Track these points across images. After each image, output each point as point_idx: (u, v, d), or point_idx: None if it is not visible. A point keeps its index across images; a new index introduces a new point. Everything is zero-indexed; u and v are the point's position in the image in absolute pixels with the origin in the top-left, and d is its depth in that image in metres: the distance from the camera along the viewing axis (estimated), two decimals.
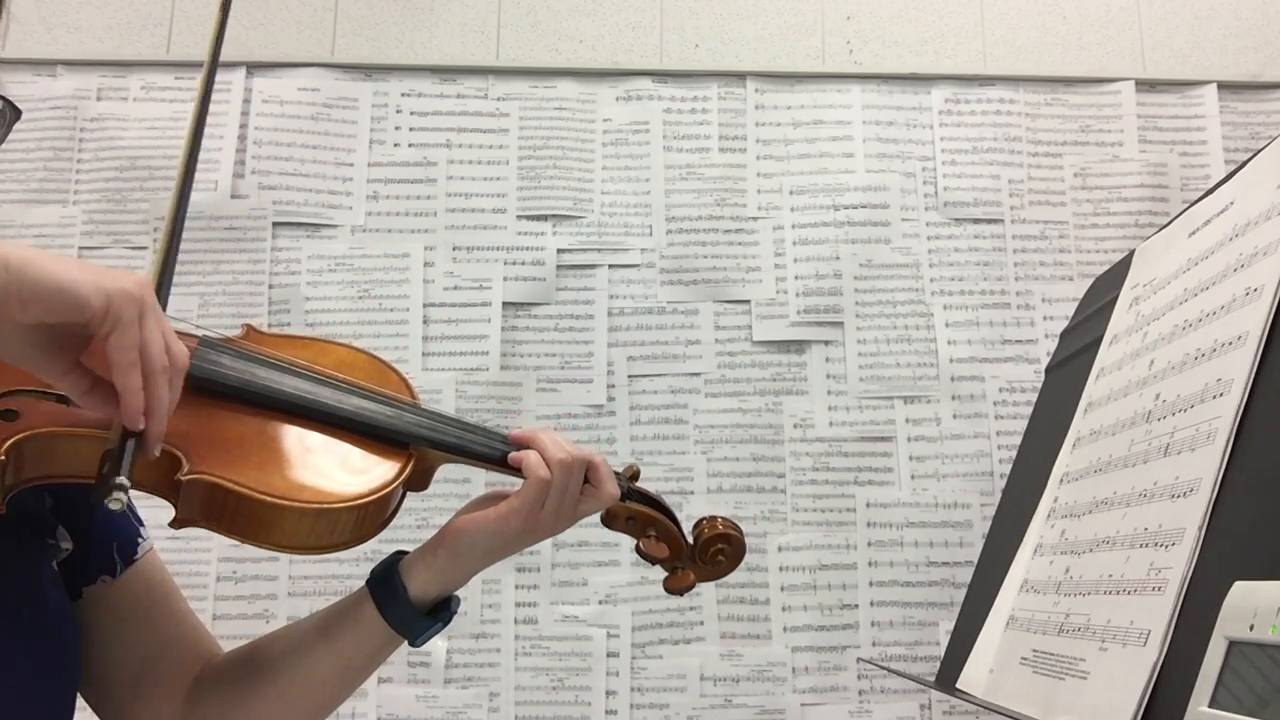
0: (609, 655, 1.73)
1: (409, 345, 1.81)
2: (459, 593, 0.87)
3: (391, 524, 0.84)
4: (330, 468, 0.80)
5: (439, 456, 0.86)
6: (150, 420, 0.66)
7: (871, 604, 1.76)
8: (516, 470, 0.86)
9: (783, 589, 1.76)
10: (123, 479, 0.65)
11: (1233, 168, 1.11)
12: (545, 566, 1.75)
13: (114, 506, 0.64)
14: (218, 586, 1.71)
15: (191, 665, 0.88)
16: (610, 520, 0.92)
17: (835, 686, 1.73)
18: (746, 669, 1.73)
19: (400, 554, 0.86)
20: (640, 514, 0.92)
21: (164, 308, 0.77)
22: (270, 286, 1.83)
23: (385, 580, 0.84)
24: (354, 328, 1.81)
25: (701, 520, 0.95)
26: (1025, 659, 0.99)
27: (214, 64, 0.91)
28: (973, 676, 1.12)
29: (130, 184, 1.85)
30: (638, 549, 0.92)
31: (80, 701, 0.82)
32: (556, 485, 0.84)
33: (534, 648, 1.73)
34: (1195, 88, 1.95)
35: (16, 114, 0.79)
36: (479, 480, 1.73)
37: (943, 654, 1.33)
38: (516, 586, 1.75)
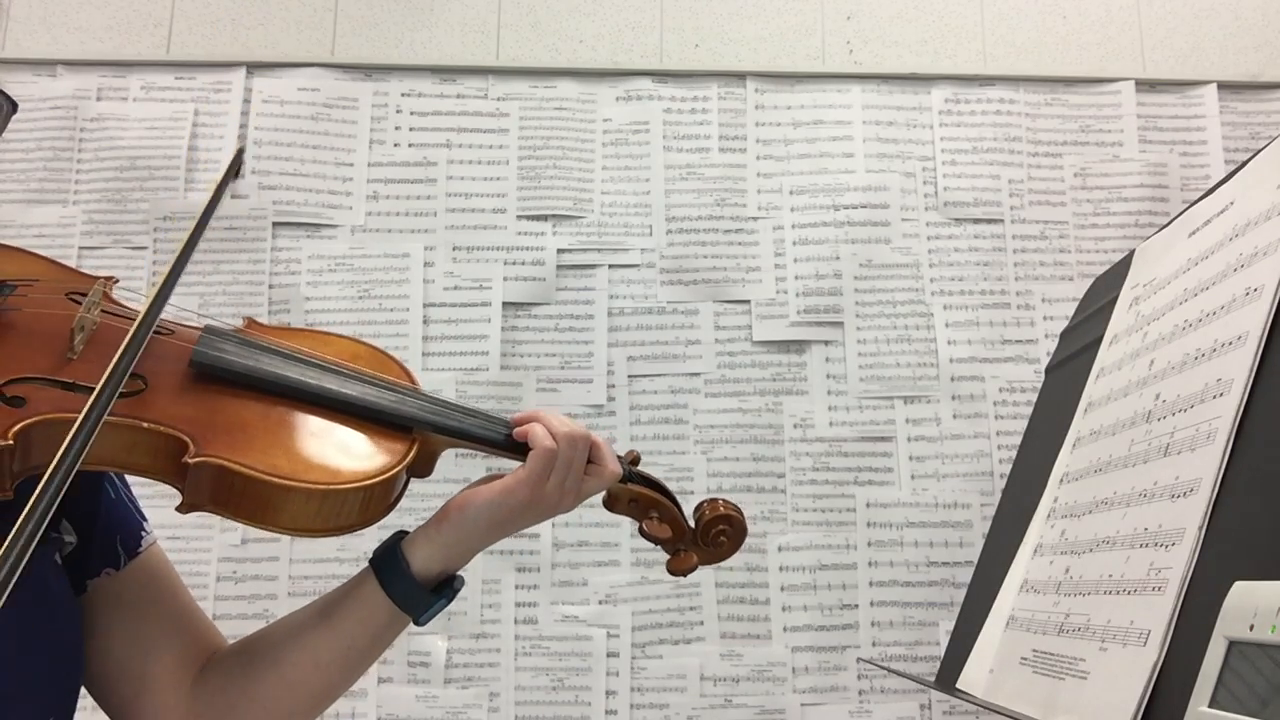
0: (609, 655, 1.73)
1: (409, 345, 1.81)
2: (462, 574, 0.87)
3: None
4: (336, 451, 0.80)
5: (442, 441, 0.86)
6: None
7: (871, 604, 1.76)
8: (520, 451, 0.86)
9: (783, 589, 1.76)
10: None
11: (1233, 168, 1.11)
12: (545, 566, 1.75)
13: None
14: (218, 586, 1.72)
15: (196, 657, 0.88)
16: (613, 503, 0.93)
17: (835, 686, 1.73)
18: (746, 669, 1.73)
19: (402, 533, 0.87)
20: (642, 496, 0.93)
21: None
22: (270, 286, 1.83)
23: (388, 557, 0.84)
24: (354, 328, 1.81)
25: (703, 503, 0.96)
26: (1025, 659, 0.99)
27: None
28: (973, 676, 1.12)
29: (130, 184, 1.85)
30: (640, 530, 0.93)
31: (85, 696, 0.82)
32: (562, 457, 0.84)
33: (534, 648, 1.73)
34: (1195, 88, 1.95)
35: (13, 107, 0.79)
36: (481, 472, 1.73)
37: (943, 654, 1.33)
38: (516, 586, 1.75)
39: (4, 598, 0.54)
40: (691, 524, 0.95)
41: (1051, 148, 1.93)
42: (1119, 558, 0.89)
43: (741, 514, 0.95)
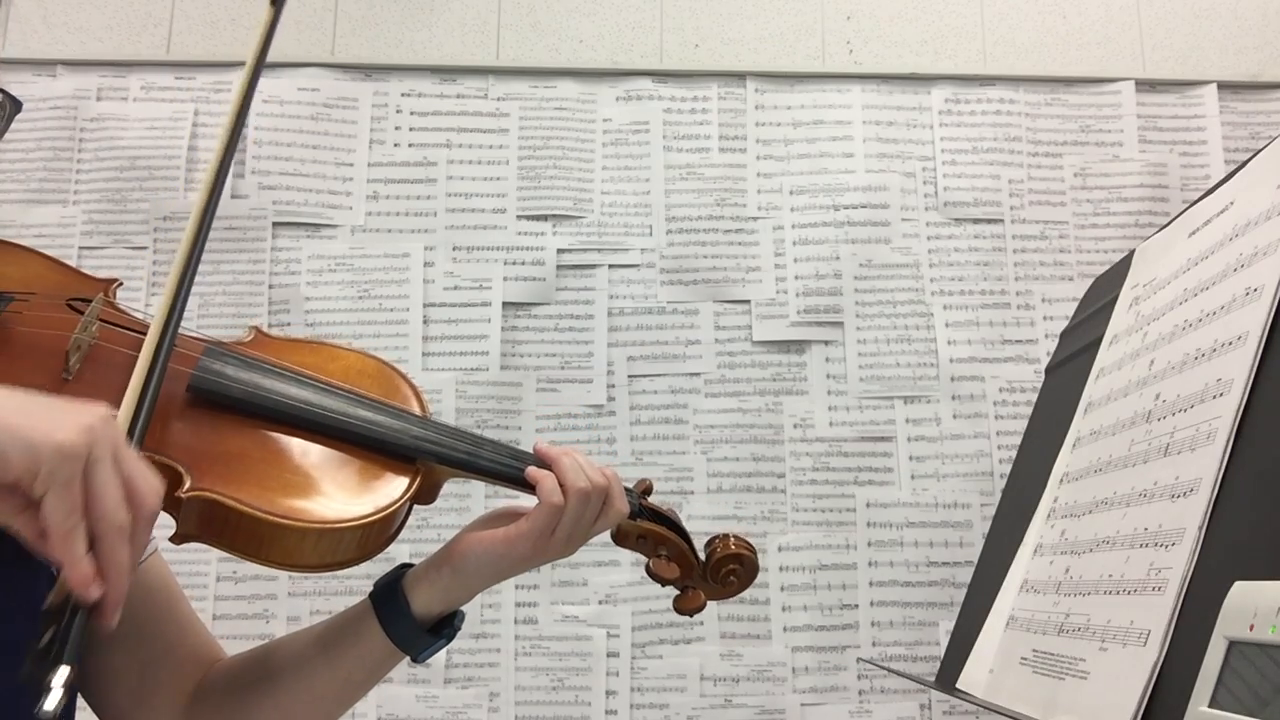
0: (609, 655, 1.73)
1: (409, 345, 1.81)
2: (463, 610, 0.86)
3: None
4: (335, 485, 0.78)
5: (447, 471, 0.84)
6: (107, 586, 0.56)
7: (871, 604, 1.76)
8: (526, 488, 0.84)
9: (783, 589, 1.76)
10: (58, 674, 0.54)
11: (1233, 168, 1.11)
12: (545, 567, 1.75)
13: (43, 716, 0.52)
14: (218, 586, 1.71)
15: (194, 671, 0.87)
16: (621, 538, 0.90)
17: (835, 686, 1.73)
18: (746, 669, 1.73)
19: (405, 568, 0.85)
20: (652, 533, 0.90)
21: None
22: (270, 286, 1.83)
23: (389, 596, 0.83)
24: (354, 328, 1.81)
25: (714, 539, 0.93)
26: (1025, 659, 0.99)
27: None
28: (973, 676, 1.12)
29: (130, 184, 1.85)
30: (648, 569, 0.90)
31: (81, 703, 0.82)
32: (571, 513, 0.82)
33: (534, 648, 1.73)
34: (1195, 88, 1.95)
35: (17, 106, 0.79)
36: (479, 483, 1.72)
37: (943, 654, 1.33)
38: (516, 586, 1.74)
39: None
40: (701, 560, 0.92)
41: (1051, 148, 1.93)
42: (1119, 558, 0.89)
43: (754, 551, 0.92)
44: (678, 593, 0.92)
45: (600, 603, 1.75)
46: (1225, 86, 1.95)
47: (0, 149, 1.80)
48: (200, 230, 0.77)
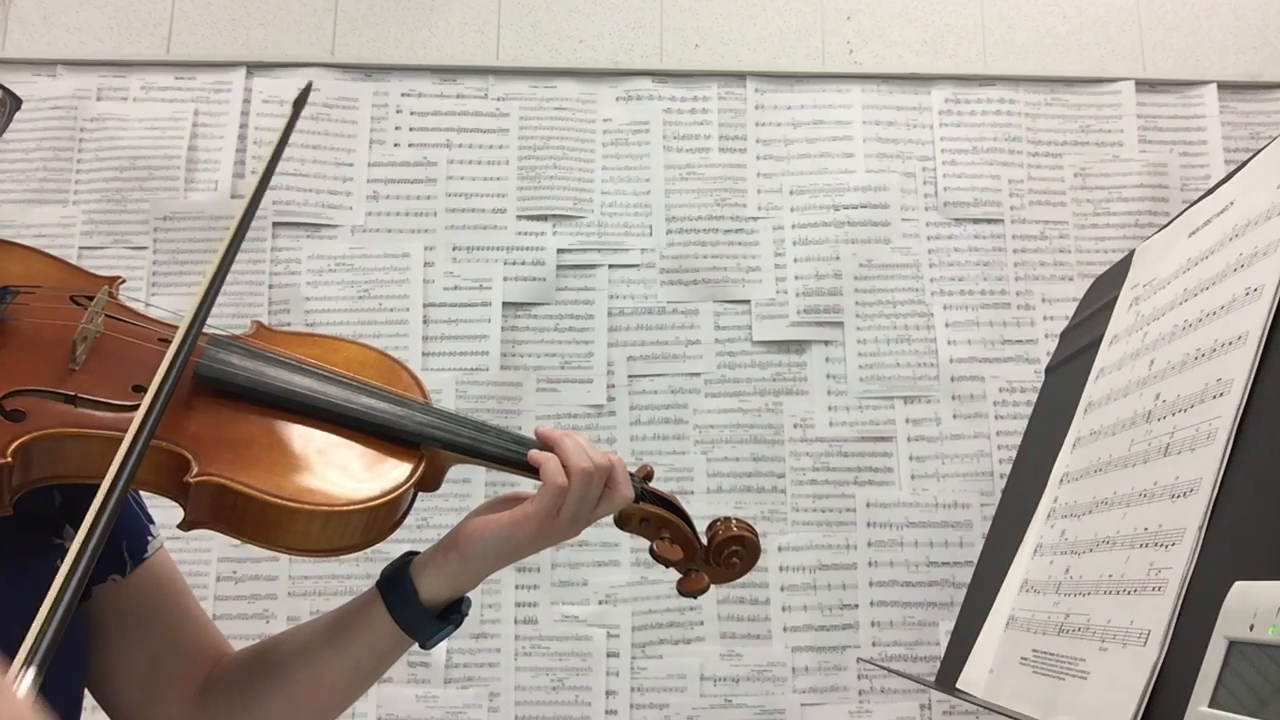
0: (609, 655, 1.73)
1: (409, 345, 1.81)
2: (469, 596, 0.87)
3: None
4: (340, 469, 0.79)
5: (451, 457, 0.85)
6: None
7: (871, 604, 1.76)
8: (530, 472, 0.84)
9: (783, 589, 1.76)
10: None
11: (1233, 168, 1.11)
12: (545, 566, 1.75)
13: None
14: (218, 586, 1.71)
15: (202, 665, 0.87)
16: (624, 522, 0.91)
17: (835, 686, 1.73)
18: (746, 669, 1.73)
19: (411, 555, 0.85)
20: (654, 516, 0.91)
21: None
22: (270, 286, 1.83)
23: (396, 582, 0.83)
24: (354, 328, 1.81)
25: (716, 521, 0.94)
26: (1025, 659, 0.99)
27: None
28: (973, 676, 1.12)
29: (130, 184, 1.85)
30: (651, 552, 0.91)
31: (89, 700, 0.82)
32: (575, 493, 0.83)
33: (534, 648, 1.73)
34: (1195, 88, 1.95)
35: (17, 103, 0.79)
36: (479, 477, 1.73)
37: (943, 654, 1.33)
38: (516, 586, 1.75)
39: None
40: (704, 543, 0.93)
41: (1051, 148, 1.93)
42: (1119, 558, 0.89)
43: (755, 534, 0.93)
44: (681, 575, 0.93)
45: (600, 603, 1.75)
46: (1225, 86, 1.95)
47: (0, 148, 1.80)
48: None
